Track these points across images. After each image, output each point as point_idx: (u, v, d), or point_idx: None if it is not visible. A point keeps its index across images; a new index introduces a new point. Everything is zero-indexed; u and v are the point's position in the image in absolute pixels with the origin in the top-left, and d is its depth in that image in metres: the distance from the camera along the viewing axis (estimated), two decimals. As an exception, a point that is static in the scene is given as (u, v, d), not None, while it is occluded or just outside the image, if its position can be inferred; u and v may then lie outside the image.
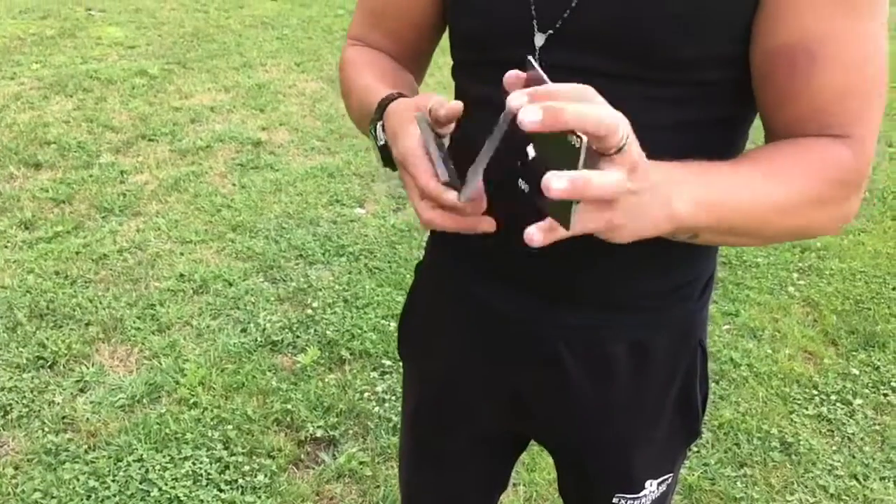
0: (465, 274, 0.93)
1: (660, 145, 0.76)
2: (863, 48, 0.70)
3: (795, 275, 3.13)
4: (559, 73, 0.76)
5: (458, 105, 0.68)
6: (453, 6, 0.83)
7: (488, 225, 0.68)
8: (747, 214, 0.69)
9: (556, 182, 0.51)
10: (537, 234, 0.58)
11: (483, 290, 0.91)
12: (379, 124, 0.79)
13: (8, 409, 2.19)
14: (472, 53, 0.84)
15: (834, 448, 2.26)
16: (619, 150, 0.54)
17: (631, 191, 0.56)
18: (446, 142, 0.72)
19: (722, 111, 0.77)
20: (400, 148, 0.72)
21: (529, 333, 0.89)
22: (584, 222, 0.57)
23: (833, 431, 2.33)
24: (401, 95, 0.79)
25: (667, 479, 1.00)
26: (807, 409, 2.40)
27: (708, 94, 0.74)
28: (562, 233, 0.58)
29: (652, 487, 0.99)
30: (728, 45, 0.71)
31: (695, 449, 2.22)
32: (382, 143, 0.78)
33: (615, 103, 0.75)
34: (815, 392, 2.47)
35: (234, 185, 3.56)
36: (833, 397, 2.46)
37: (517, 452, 1.11)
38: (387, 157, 0.78)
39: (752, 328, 2.78)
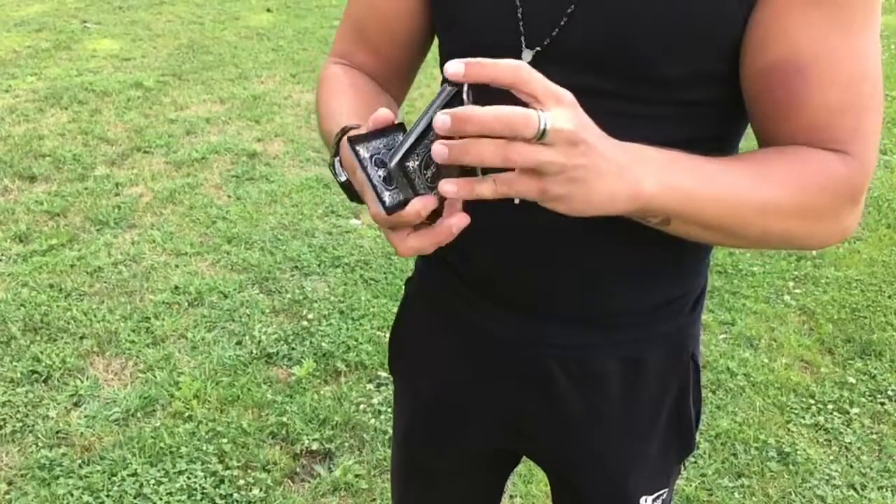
0: (453, 293, 0.92)
1: None
2: (857, 64, 0.69)
3: (791, 283, 3.13)
4: None
5: (381, 114, 0.65)
6: (440, 20, 0.83)
7: (460, 219, 0.63)
8: (723, 209, 0.68)
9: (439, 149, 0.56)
10: (450, 185, 0.58)
11: (472, 309, 0.91)
12: (337, 160, 0.75)
13: (1, 423, 2.18)
14: None
15: (831, 458, 2.26)
16: (541, 137, 0.55)
17: (569, 165, 0.57)
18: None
19: (709, 129, 0.77)
20: (355, 183, 0.69)
21: (520, 352, 0.89)
22: (512, 184, 0.58)
23: (830, 441, 2.32)
24: (349, 128, 0.75)
25: (662, 495, 0.99)
26: (804, 418, 2.40)
27: (694, 113, 0.74)
28: (481, 189, 0.58)
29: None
30: (714, 65, 0.71)
31: (692, 459, 2.21)
32: (343, 179, 0.74)
33: (601, 121, 0.76)
34: (811, 401, 2.47)
35: (229, 196, 3.56)
36: (830, 406, 2.45)
37: (510, 468, 1.11)
38: (351, 192, 0.74)
39: (748, 337, 2.78)
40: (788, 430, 2.35)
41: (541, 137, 0.55)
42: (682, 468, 1.06)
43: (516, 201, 0.63)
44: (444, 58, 0.87)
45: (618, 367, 0.88)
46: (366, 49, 0.92)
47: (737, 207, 0.68)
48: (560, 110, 0.56)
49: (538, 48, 0.74)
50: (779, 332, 2.81)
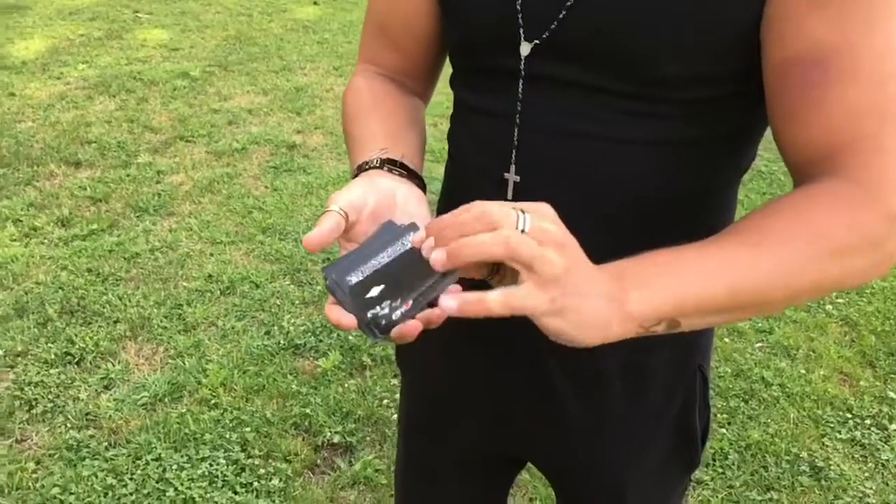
0: None
1: (640, 162, 0.73)
2: (880, 63, 0.64)
3: (834, 293, 3.04)
4: (542, 85, 0.74)
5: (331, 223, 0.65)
6: (444, 13, 0.82)
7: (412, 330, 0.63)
8: (735, 292, 0.62)
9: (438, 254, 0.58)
10: (450, 301, 0.58)
11: None
12: None
13: (33, 403, 2.22)
14: (462, 61, 0.82)
15: (867, 474, 2.18)
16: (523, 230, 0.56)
17: (564, 267, 0.56)
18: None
19: (714, 129, 0.73)
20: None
21: (520, 352, 0.86)
22: (514, 295, 0.56)
23: (866, 457, 2.24)
24: (366, 166, 0.76)
25: (664, 510, 0.96)
26: (840, 432, 2.32)
27: (697, 112, 0.71)
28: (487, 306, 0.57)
29: None
30: (717, 64, 0.68)
31: (720, 470, 2.15)
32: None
33: (596, 117, 0.73)
34: (849, 415, 2.39)
35: (266, 187, 3.59)
36: (868, 421, 2.37)
37: (512, 473, 1.08)
38: None
39: (785, 347, 2.70)
40: (823, 444, 2.28)
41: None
42: (690, 485, 1.02)
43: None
44: (449, 50, 0.85)
45: (620, 374, 0.85)
46: (390, 48, 0.92)
47: (749, 284, 0.63)
48: (547, 221, 0.58)
49: (536, 41, 0.72)
50: (818, 343, 2.73)
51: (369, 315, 0.63)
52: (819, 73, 0.64)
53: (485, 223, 0.56)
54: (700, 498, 2.05)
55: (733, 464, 2.18)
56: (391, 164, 0.76)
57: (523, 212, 0.56)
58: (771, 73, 0.67)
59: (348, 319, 0.61)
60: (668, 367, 0.86)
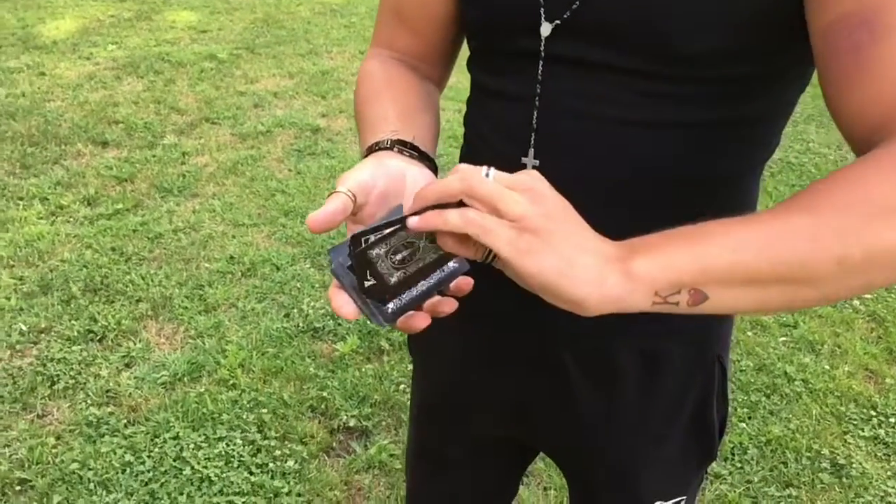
0: (473, 277, 0.89)
1: (662, 146, 0.71)
2: None
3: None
4: (563, 66, 0.72)
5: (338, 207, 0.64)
6: None
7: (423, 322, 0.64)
8: (772, 259, 0.55)
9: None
10: (413, 219, 0.58)
11: (488, 291, 0.87)
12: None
13: (55, 379, 2.25)
14: (479, 43, 0.80)
15: (889, 473, 2.14)
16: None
17: (532, 213, 0.55)
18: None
19: (743, 111, 0.70)
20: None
21: (533, 339, 0.85)
22: (477, 221, 0.55)
23: (890, 456, 2.20)
24: (376, 147, 0.75)
25: (679, 503, 0.94)
26: (863, 430, 2.28)
27: (724, 92, 0.68)
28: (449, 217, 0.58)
29: None
30: (744, 40, 0.65)
31: (738, 464, 2.13)
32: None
33: (618, 100, 0.70)
34: (873, 413, 2.34)
35: (290, 170, 3.59)
36: (892, 419, 2.32)
37: (524, 462, 1.07)
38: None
39: (810, 342, 2.65)
40: (845, 441, 2.24)
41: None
42: (706, 478, 1.00)
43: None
44: (467, 32, 0.83)
45: (634, 362, 0.83)
46: (405, 31, 0.90)
47: (779, 249, 0.55)
48: (518, 188, 0.57)
49: (557, 21, 0.70)
50: (844, 338, 2.68)
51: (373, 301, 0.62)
52: (865, 33, 0.60)
53: (460, 178, 0.57)
54: (717, 492, 2.03)
55: (752, 459, 2.15)
56: (402, 145, 0.74)
57: (492, 169, 0.57)
58: (818, 40, 0.63)
59: (349, 309, 0.60)
60: (685, 358, 0.83)
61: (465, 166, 0.58)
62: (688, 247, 0.57)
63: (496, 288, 0.87)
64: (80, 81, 4.42)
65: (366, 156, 0.74)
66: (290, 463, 2.03)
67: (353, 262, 0.60)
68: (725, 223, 0.58)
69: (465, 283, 0.66)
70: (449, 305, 0.64)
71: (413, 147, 0.75)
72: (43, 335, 2.43)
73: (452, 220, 0.56)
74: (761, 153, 0.77)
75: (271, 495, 1.93)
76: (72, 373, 2.29)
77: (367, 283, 0.61)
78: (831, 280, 0.56)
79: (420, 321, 0.61)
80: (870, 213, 0.56)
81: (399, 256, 0.62)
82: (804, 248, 0.55)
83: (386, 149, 0.73)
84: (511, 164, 0.77)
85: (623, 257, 0.56)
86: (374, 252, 0.60)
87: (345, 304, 0.60)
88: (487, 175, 0.57)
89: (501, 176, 0.56)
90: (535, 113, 0.75)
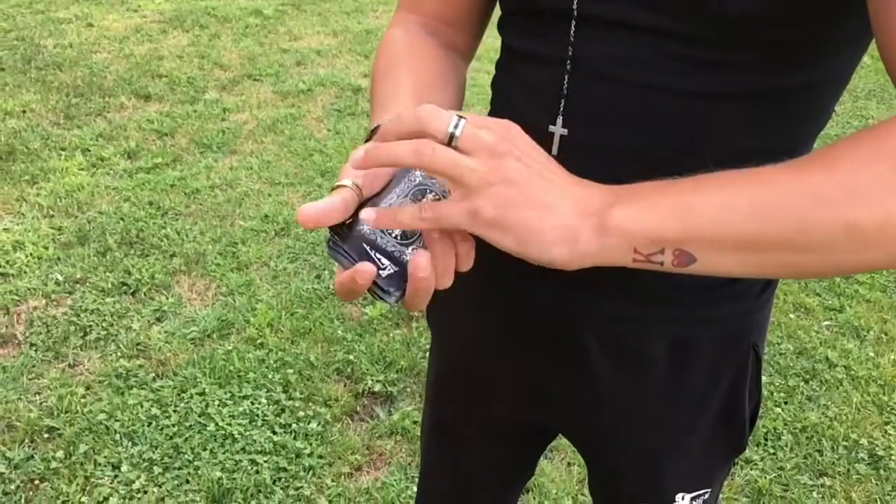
0: (493, 252, 0.85)
1: (702, 117, 0.65)
2: None
3: (915, 273, 2.85)
4: (596, 28, 0.66)
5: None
6: None
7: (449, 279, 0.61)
8: (769, 220, 0.49)
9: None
10: (369, 213, 0.58)
11: (511, 269, 0.82)
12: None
13: (88, 330, 2.28)
14: (510, 3, 0.75)
15: (931, 468, 2.05)
16: (451, 138, 0.54)
17: (493, 179, 0.53)
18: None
19: (790, 78, 0.63)
20: None
21: (555, 320, 0.80)
22: (437, 208, 0.54)
23: (932, 450, 2.11)
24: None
25: (703, 496, 0.89)
26: (905, 422, 2.19)
27: (770, 57, 0.61)
28: (402, 216, 0.57)
29: (684, 502, 0.89)
30: (790, 2, 0.59)
31: (771, 450, 2.06)
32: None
33: (655, 65, 0.64)
34: (917, 404, 2.25)
35: (328, 130, 3.56)
36: (938, 413, 2.23)
37: (544, 443, 1.03)
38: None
39: (855, 327, 2.55)
40: (885, 431, 2.15)
41: (450, 140, 0.53)
42: (732, 470, 0.95)
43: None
44: None
45: (663, 348, 0.78)
46: None
47: (780, 209, 0.49)
48: (484, 129, 0.54)
49: None
50: (892, 325, 2.57)
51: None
52: None
53: (420, 126, 0.54)
54: (748, 478, 1.97)
55: (786, 445, 2.08)
56: None
57: (462, 118, 0.54)
58: None
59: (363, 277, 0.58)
60: (717, 345, 0.78)
61: (424, 115, 0.55)
62: (674, 200, 0.52)
63: (520, 267, 0.82)
64: (127, 34, 4.43)
65: (368, 138, 0.70)
66: (313, 425, 2.03)
67: (340, 240, 0.59)
68: (724, 176, 0.53)
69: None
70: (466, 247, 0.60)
71: None
72: (78, 285, 2.46)
73: (406, 221, 0.56)
74: (811, 127, 0.70)
75: (293, 455, 1.93)
76: (104, 324, 2.31)
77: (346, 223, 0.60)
78: (840, 250, 0.49)
79: (421, 258, 0.57)
80: (892, 172, 0.47)
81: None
82: (805, 209, 0.48)
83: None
84: (538, 133, 0.71)
85: (602, 209, 0.53)
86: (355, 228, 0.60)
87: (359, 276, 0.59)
88: (457, 126, 0.54)
89: (467, 135, 0.54)
90: (566, 77, 0.69)
